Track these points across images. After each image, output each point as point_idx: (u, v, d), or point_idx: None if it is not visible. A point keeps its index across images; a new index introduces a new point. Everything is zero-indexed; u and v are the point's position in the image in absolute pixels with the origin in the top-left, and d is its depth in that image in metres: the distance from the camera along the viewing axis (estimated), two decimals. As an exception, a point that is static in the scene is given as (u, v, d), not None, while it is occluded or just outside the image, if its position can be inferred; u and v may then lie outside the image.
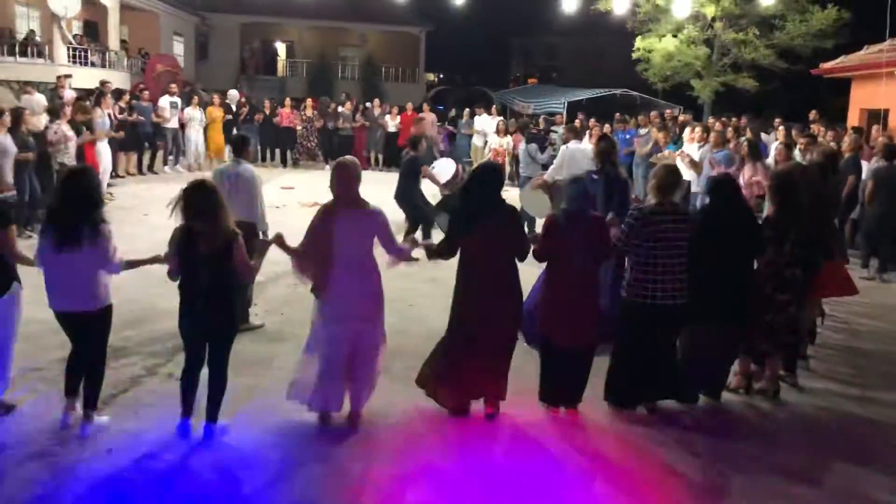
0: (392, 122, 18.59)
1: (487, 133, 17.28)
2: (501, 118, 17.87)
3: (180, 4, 28.88)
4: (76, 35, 21.37)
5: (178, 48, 29.81)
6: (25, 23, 22.31)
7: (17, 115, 9.76)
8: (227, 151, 16.70)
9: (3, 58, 19.58)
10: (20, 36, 21.30)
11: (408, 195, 9.85)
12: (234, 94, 18.58)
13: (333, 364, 4.69)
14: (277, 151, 18.52)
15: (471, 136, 17.87)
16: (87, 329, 4.62)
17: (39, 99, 14.77)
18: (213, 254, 4.39)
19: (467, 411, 4.98)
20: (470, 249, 4.81)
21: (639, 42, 22.38)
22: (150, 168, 15.78)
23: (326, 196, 4.88)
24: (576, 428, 4.99)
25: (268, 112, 17.98)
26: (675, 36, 21.78)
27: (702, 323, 5.13)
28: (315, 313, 4.79)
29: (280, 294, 7.60)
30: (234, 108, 17.50)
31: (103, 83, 16.43)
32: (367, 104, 19.61)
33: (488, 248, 4.74)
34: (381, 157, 18.80)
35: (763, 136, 14.10)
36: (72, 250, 4.38)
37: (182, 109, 16.26)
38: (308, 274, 4.74)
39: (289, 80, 33.37)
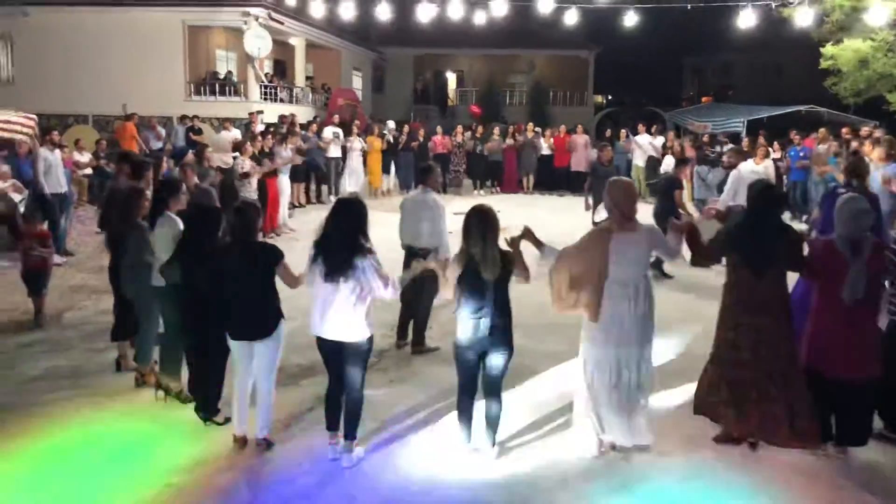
0: (545, 145, 18.61)
1: (648, 152, 17.04)
2: (676, 138, 17.32)
3: (359, 41, 30.45)
4: (267, 73, 23.11)
5: (357, 82, 31.43)
6: (225, 65, 24.46)
7: (200, 152, 10.67)
8: (386, 179, 17.53)
9: (206, 97, 21.62)
10: (220, 77, 23.39)
11: (668, 213, 9.56)
12: (391, 124, 19.38)
13: (604, 390, 4.69)
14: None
15: (629, 156, 17.59)
16: (348, 358, 4.65)
17: (235, 134, 16.09)
18: (495, 278, 4.45)
19: (752, 444, 4.81)
20: (741, 270, 4.68)
21: (828, 49, 20.94)
22: (318, 197, 16.52)
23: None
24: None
25: (422, 139, 18.57)
26: (872, 40, 20.20)
27: None
28: (584, 336, 4.80)
29: (454, 317, 7.76)
30: (391, 138, 18.19)
31: (283, 118, 17.63)
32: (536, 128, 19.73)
33: (762, 268, 4.59)
34: (531, 179, 18.89)
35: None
36: (339, 280, 4.44)
37: (345, 139, 16.91)
38: (569, 291, 4.71)
39: (458, 109, 34.23)
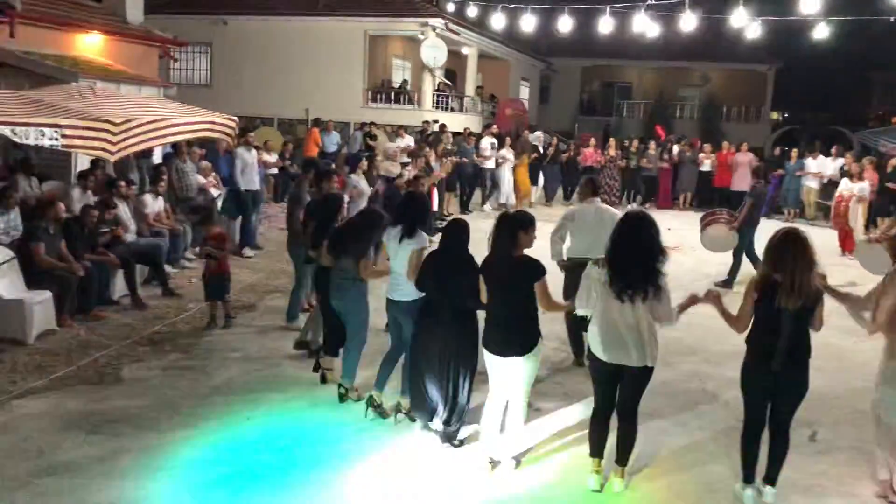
0: (707, 162, 17.93)
1: (824, 176, 16.31)
2: (849, 159, 16.13)
3: (529, 51, 30.58)
4: (440, 83, 23.73)
5: (524, 93, 31.60)
6: (400, 74, 25.34)
7: (371, 160, 10.96)
8: (535, 191, 17.57)
9: (381, 104, 22.50)
10: (396, 85, 24.28)
11: None
12: (538, 134, 19.30)
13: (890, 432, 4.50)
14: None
15: (801, 179, 16.83)
16: (632, 383, 4.46)
17: (408, 142, 16.61)
18: (795, 309, 4.13)
19: None
20: None
21: None
22: (465, 208, 16.33)
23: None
24: None
25: (572, 152, 18.30)
26: None
27: None
28: (880, 373, 4.58)
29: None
30: (539, 149, 18.04)
31: (442, 127, 17.96)
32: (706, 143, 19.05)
33: None
34: (688, 196, 18.25)
35: None
36: (636, 301, 4.24)
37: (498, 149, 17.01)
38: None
39: (625, 121, 33.59)
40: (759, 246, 10.44)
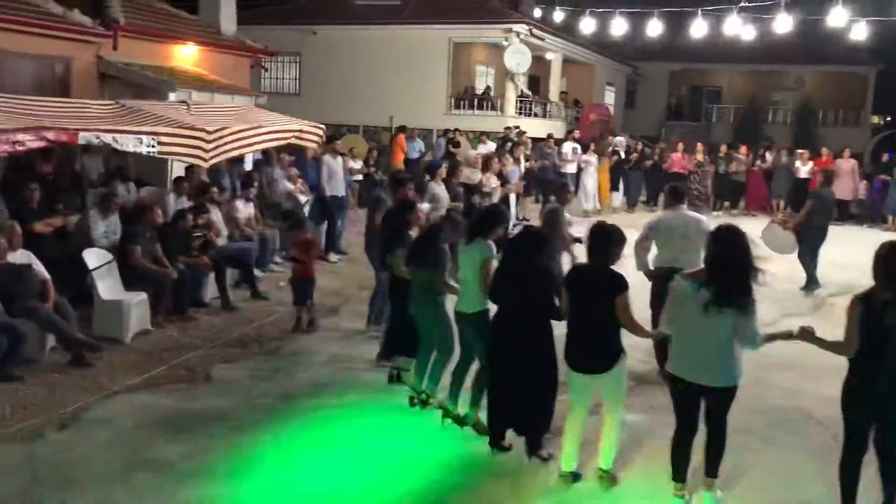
0: (804, 168, 17.17)
1: None
2: None
3: (615, 55, 30.13)
4: (523, 91, 23.61)
5: (609, 97, 31.11)
6: (483, 80, 25.35)
7: (452, 167, 10.94)
8: (617, 197, 17.35)
9: (465, 111, 22.55)
10: (479, 92, 24.29)
11: None
12: (620, 139, 18.93)
13: None
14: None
15: None
16: (714, 402, 4.28)
17: (490, 147, 16.58)
18: None
19: None
20: None
21: None
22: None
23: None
24: None
25: (657, 157, 17.83)
26: None
27: None
28: None
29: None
30: (621, 154, 17.71)
31: (520, 133, 17.84)
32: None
33: None
34: (782, 203, 17.42)
35: None
36: (721, 316, 4.05)
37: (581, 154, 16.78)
38: None
39: (714, 126, 32.65)
40: (831, 258, 10.19)
